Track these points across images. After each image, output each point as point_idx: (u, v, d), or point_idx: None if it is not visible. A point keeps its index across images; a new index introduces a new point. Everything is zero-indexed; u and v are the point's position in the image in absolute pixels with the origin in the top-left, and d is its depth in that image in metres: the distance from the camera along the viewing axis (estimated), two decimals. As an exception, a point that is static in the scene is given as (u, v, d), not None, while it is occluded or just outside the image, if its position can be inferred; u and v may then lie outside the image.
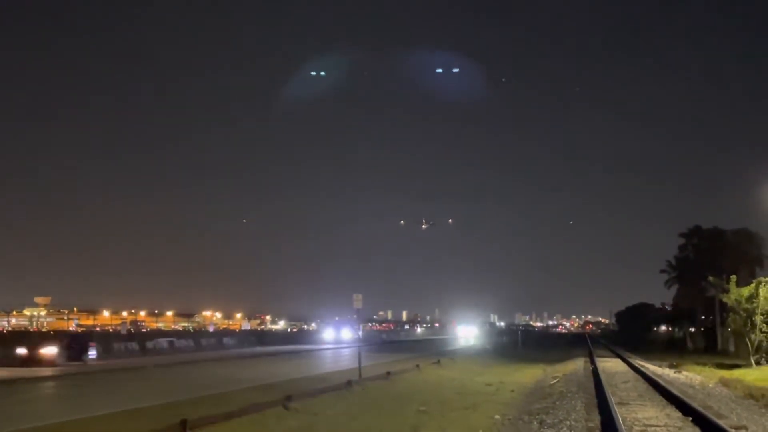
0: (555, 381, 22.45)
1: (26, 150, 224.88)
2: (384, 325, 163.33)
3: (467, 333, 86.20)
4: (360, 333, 56.35)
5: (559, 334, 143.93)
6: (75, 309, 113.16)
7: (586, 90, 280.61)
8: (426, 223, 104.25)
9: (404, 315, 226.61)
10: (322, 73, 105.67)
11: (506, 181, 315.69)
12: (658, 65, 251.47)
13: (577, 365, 31.96)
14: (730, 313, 30.89)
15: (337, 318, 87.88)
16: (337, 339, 61.32)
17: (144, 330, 64.31)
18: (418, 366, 26.77)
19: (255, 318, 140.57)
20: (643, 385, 20.86)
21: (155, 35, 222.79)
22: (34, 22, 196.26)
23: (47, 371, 25.26)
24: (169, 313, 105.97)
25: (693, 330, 68.21)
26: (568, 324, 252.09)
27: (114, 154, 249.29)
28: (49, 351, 28.95)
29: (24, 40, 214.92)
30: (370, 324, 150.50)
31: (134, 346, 39.46)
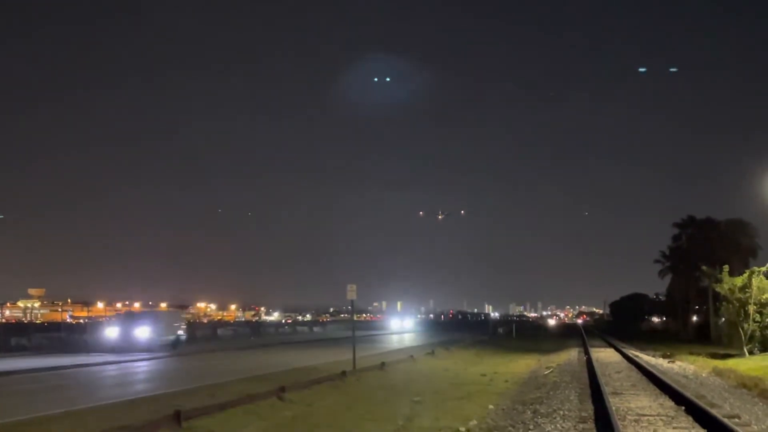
0: (549, 371, 22.50)
1: (21, 144, 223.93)
2: (379, 316, 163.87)
3: (401, 328, 69.93)
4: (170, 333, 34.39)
5: (539, 326, 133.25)
6: (69, 301, 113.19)
7: (581, 81, 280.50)
8: (441, 214, 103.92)
9: (399, 306, 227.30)
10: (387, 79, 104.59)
11: (501, 174, 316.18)
12: (655, 58, 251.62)
13: (571, 355, 32.13)
14: (724, 303, 31.03)
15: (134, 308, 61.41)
16: (125, 343, 33.03)
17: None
18: (412, 357, 26.85)
19: (249, 309, 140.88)
20: (636, 374, 20.92)
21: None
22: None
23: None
24: (163, 305, 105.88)
25: (686, 320, 68.60)
26: (562, 314, 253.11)
27: (110, 149, 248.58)
28: None
29: (20, 25, 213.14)
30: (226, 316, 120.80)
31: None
